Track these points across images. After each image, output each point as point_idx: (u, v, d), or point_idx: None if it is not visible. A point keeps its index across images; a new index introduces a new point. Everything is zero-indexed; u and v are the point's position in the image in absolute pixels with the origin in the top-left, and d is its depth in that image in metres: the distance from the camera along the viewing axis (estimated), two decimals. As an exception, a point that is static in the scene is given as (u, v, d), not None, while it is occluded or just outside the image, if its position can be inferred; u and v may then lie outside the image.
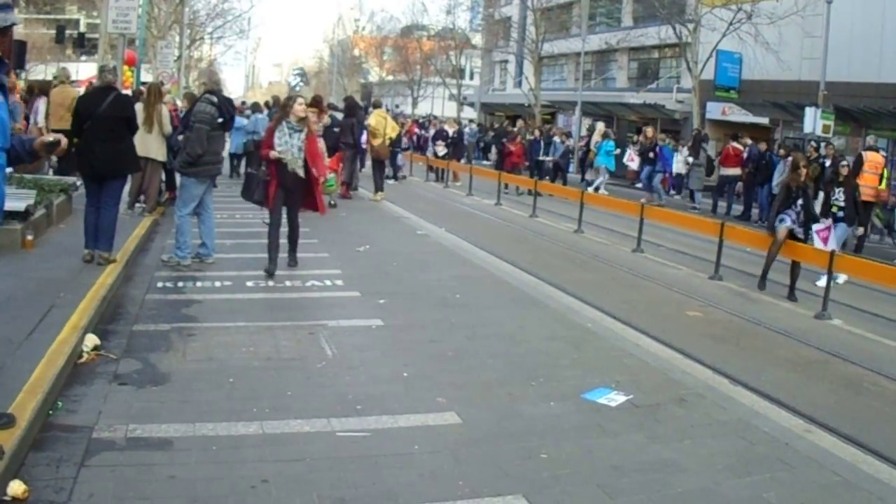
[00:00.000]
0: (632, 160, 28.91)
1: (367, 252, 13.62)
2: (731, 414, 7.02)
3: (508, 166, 28.45)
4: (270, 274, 11.10)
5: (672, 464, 5.85)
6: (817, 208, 21.40)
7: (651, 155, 27.61)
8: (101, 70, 12.00)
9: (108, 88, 10.87)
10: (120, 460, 5.36)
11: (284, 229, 11.63)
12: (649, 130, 29.47)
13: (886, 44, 29.41)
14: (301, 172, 11.19)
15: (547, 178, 28.70)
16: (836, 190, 15.06)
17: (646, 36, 43.74)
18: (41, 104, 16.92)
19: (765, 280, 13.00)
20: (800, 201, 13.10)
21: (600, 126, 31.14)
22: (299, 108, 11.23)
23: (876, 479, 5.83)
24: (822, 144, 25.14)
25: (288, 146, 11.03)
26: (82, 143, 10.45)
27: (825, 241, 13.42)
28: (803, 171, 13.26)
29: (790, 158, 22.07)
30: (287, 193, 11.29)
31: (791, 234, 12.96)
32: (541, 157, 29.51)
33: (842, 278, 13.71)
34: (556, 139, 30.58)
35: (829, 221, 13.97)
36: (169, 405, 6.36)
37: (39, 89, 18.17)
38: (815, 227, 13.57)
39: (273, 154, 10.98)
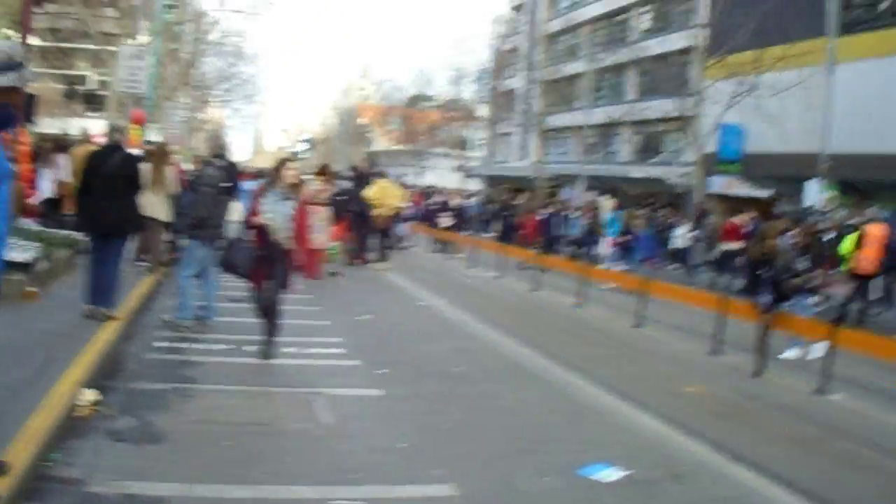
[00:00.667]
0: (610, 245, 26.63)
1: (368, 321, 13.64)
2: (728, 490, 7.01)
3: (523, 241, 28.12)
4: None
5: (668, 540, 5.82)
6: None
7: (622, 239, 25.73)
8: (111, 130, 12.12)
9: (115, 147, 11.00)
10: (113, 517, 5.34)
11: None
12: (626, 214, 27.50)
13: (889, 113, 29.52)
14: (288, 243, 10.24)
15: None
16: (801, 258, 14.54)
17: (650, 109, 44.13)
18: (62, 160, 17.04)
19: (762, 368, 12.39)
20: (763, 272, 12.88)
21: (608, 201, 30.76)
22: (290, 174, 10.41)
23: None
24: (826, 216, 25.18)
25: (275, 213, 10.15)
26: (88, 199, 10.58)
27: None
28: (770, 242, 12.97)
29: (790, 233, 22.25)
30: (269, 266, 10.19)
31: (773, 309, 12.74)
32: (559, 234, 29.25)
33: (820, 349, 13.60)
34: (573, 215, 30.30)
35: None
36: (165, 464, 6.35)
37: (57, 146, 18.29)
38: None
39: (260, 220, 10.11)
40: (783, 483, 7.31)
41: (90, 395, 7.49)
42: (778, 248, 12.79)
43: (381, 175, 24.33)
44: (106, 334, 9.76)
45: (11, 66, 5.03)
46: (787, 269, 12.69)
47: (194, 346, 10.58)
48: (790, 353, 13.64)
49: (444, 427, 8.17)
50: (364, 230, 21.98)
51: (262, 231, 10.11)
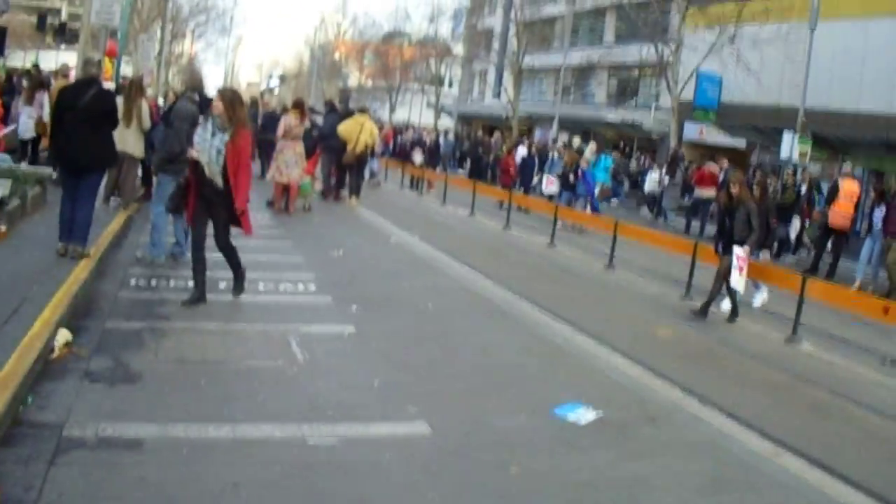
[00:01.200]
0: (550, 184, 25.77)
1: (340, 257, 13.58)
2: (700, 434, 7.10)
3: (507, 182, 27.75)
4: (193, 302, 9.50)
5: (642, 481, 5.89)
6: (792, 234, 21.80)
7: (571, 179, 23.94)
8: (86, 63, 11.90)
9: (90, 81, 10.79)
10: (90, 459, 5.32)
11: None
12: (566, 153, 26.15)
13: (866, 73, 29.66)
14: (219, 181, 9.34)
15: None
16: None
17: (627, 54, 43.96)
18: (45, 99, 16.81)
19: (707, 310, 12.48)
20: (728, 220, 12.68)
21: (591, 144, 30.53)
22: (214, 104, 9.44)
23: (842, 504, 5.92)
24: (801, 169, 25.35)
25: (206, 146, 9.34)
26: (61, 135, 10.40)
27: (739, 270, 12.40)
28: (735, 189, 12.57)
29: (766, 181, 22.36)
30: (209, 206, 9.52)
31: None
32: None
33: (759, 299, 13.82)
34: (555, 154, 30.08)
35: (746, 250, 12.41)
36: (140, 405, 6.33)
37: (37, 83, 18.02)
38: (736, 250, 12.39)
39: (191, 153, 9.46)
40: (754, 429, 7.41)
41: (64, 336, 7.45)
42: (742, 198, 12.53)
43: (364, 111, 23.92)
44: (79, 273, 9.63)
45: None
46: (746, 220, 12.40)
47: (168, 283, 10.50)
48: (757, 300, 13.80)
49: (417, 364, 8.21)
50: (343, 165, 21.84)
51: (195, 166, 9.49)
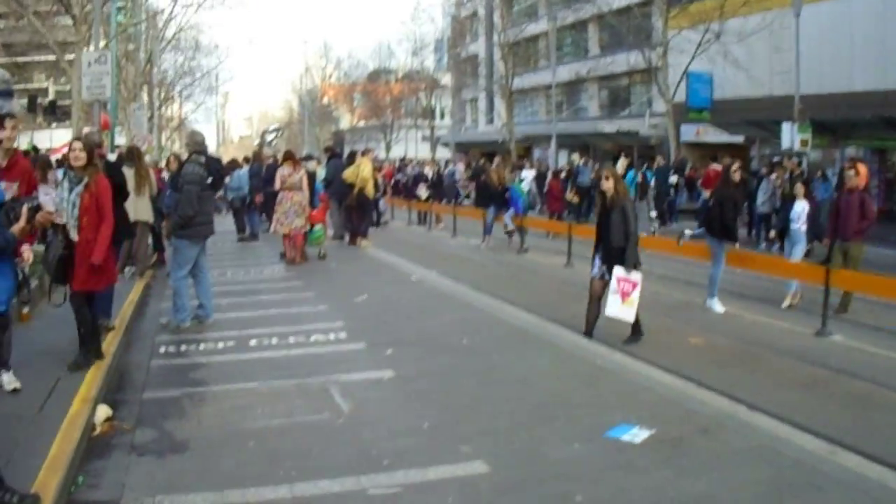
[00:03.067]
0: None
1: (365, 301, 13.55)
2: (753, 441, 7.00)
3: (558, 209, 27.66)
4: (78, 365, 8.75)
5: (706, 497, 5.81)
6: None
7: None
8: (87, 137, 11.93)
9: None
10: (154, 535, 5.29)
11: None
12: (494, 170, 24.65)
13: (857, 53, 29.66)
14: (74, 235, 8.74)
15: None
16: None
17: (615, 63, 44.07)
18: (58, 176, 16.95)
19: (590, 333, 11.03)
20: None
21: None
22: (73, 154, 8.86)
23: (908, 497, 5.84)
24: (786, 157, 25.26)
25: (63, 202, 8.73)
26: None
27: (623, 296, 10.72)
28: (607, 184, 10.84)
29: (773, 175, 22.29)
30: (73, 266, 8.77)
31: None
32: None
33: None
34: (580, 163, 30.07)
35: (638, 276, 10.80)
36: (193, 473, 6.29)
37: (47, 162, 18.11)
38: (616, 271, 10.83)
39: (51, 218, 8.47)
40: (805, 429, 7.32)
41: (104, 412, 7.43)
42: (616, 196, 10.91)
43: (366, 153, 24.02)
44: (108, 346, 9.64)
45: (10, 92, 4.99)
46: (622, 223, 10.77)
47: (197, 347, 10.48)
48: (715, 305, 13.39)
49: (462, 402, 8.13)
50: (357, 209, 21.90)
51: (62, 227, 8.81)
